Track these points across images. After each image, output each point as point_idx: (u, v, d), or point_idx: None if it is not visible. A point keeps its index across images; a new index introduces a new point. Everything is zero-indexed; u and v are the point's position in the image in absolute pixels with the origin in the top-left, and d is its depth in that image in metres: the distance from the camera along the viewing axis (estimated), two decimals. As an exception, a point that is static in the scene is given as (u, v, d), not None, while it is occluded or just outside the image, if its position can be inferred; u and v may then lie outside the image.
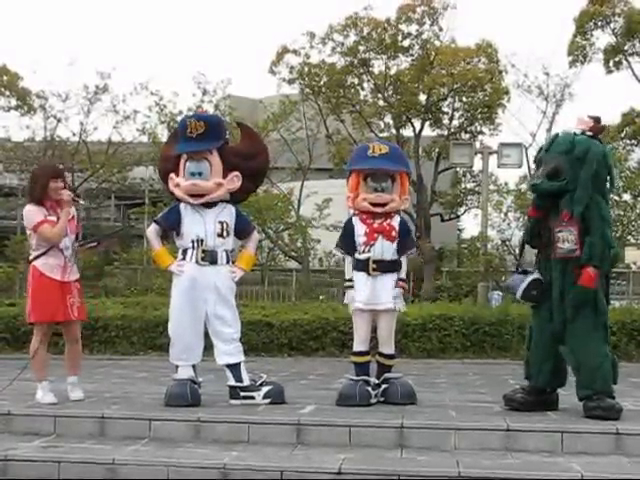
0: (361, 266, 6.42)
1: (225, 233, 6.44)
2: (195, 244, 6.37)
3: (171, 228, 6.52)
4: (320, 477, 4.90)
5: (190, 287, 6.34)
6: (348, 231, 6.56)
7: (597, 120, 6.10)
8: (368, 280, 6.38)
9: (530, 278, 6.22)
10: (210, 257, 6.37)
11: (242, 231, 6.65)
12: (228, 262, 6.48)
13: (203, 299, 6.35)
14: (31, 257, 6.46)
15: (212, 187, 6.37)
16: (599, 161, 5.90)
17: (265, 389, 6.39)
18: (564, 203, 5.92)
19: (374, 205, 6.43)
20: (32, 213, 6.39)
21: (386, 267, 6.39)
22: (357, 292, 6.42)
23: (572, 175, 5.89)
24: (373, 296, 6.36)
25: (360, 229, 6.46)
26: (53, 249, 6.37)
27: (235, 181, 6.46)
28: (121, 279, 16.93)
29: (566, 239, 5.90)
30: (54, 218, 6.38)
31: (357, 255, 6.45)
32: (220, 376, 6.71)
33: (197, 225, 6.40)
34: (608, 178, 6.06)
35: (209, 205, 6.42)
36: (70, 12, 77.57)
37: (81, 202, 7.08)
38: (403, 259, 6.54)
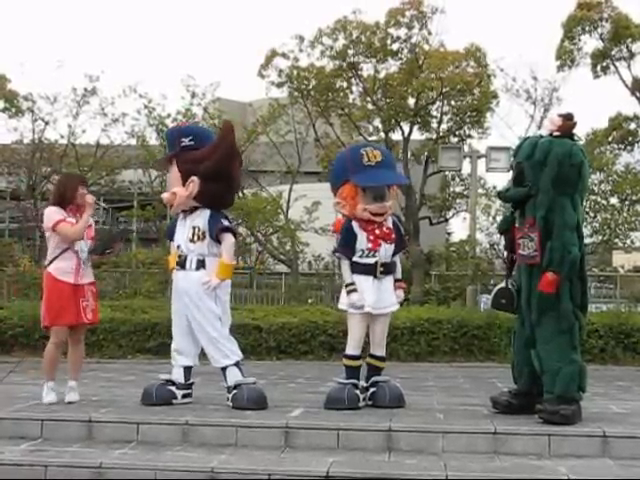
0: (365, 270, 6.31)
1: (196, 238, 6.40)
2: (178, 250, 6.49)
3: (171, 238, 6.67)
4: (308, 480, 4.90)
5: (174, 292, 6.61)
6: (350, 237, 6.36)
7: (568, 118, 5.98)
8: (374, 283, 6.33)
9: (498, 287, 6.28)
10: (182, 262, 6.43)
11: (214, 232, 6.41)
12: (200, 267, 6.38)
13: (182, 304, 6.45)
14: (46, 262, 6.53)
15: (169, 197, 6.49)
16: (561, 162, 5.78)
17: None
18: (528, 209, 5.93)
19: (375, 215, 6.37)
20: (52, 212, 6.49)
21: (388, 268, 6.41)
22: (364, 296, 6.28)
23: (535, 180, 5.86)
24: (380, 299, 6.33)
25: (362, 235, 6.34)
26: (67, 251, 6.44)
27: (191, 186, 6.37)
28: (109, 282, 16.86)
29: (526, 245, 5.92)
30: (73, 220, 6.48)
31: (358, 259, 6.34)
32: (209, 379, 6.69)
33: (180, 232, 6.52)
34: (579, 176, 5.87)
35: (190, 212, 6.47)
36: (58, 14, 77.38)
37: (102, 205, 7.28)
38: (396, 258, 6.55)
